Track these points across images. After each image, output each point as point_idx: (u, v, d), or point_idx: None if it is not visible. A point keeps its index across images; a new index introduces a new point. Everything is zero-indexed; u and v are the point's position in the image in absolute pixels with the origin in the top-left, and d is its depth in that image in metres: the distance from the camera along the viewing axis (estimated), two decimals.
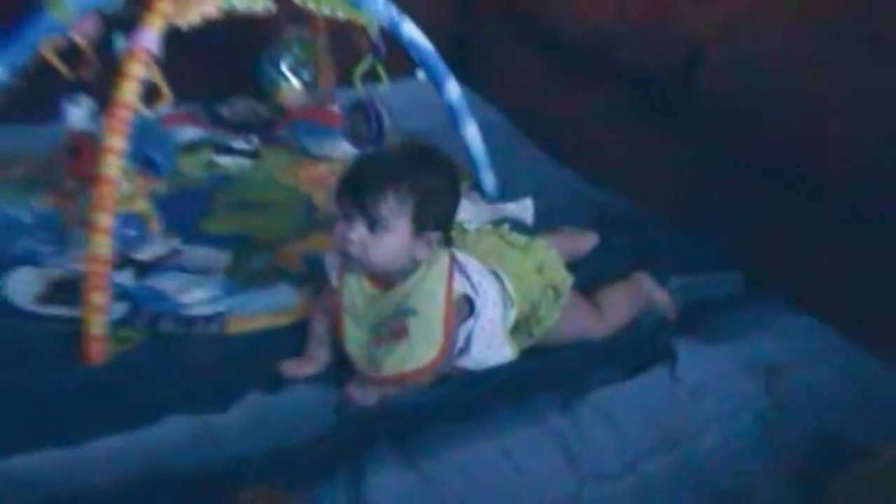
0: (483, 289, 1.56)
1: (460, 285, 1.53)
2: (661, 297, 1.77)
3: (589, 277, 1.78)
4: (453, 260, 1.54)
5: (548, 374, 1.56)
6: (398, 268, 1.50)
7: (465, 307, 1.54)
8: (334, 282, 1.57)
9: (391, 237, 1.46)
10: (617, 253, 1.93)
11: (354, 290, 1.54)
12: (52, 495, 1.26)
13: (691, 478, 1.41)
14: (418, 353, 1.49)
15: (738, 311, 1.76)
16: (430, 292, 1.50)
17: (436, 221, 1.50)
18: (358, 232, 1.46)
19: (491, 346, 1.57)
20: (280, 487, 1.28)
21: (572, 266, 1.74)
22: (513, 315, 1.61)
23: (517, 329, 1.63)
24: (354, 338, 1.54)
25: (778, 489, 1.40)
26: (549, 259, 1.70)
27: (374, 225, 1.45)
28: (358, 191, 1.46)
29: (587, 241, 1.93)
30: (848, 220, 1.74)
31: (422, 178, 1.48)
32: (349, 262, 1.51)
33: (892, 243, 1.67)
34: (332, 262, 1.58)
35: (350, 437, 1.41)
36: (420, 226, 1.48)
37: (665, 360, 1.58)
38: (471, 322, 1.54)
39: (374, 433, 1.40)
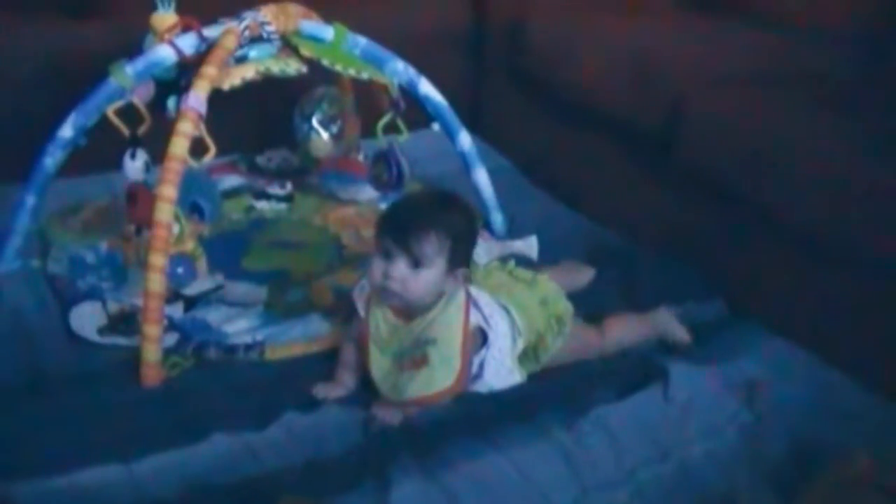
0: (495, 321, 1.57)
1: (475, 318, 1.54)
2: (679, 332, 1.75)
3: (588, 307, 1.78)
4: (468, 295, 1.55)
5: (552, 394, 1.57)
6: (430, 301, 1.51)
7: (479, 338, 1.55)
8: (362, 313, 1.58)
9: (429, 273, 1.48)
10: (611, 284, 1.93)
11: (380, 322, 1.56)
12: None
13: (682, 485, 1.42)
14: (438, 378, 1.50)
15: (723, 335, 1.77)
16: (448, 324, 1.51)
17: (464, 259, 1.53)
18: (399, 269, 1.47)
19: (500, 373, 1.58)
20: (313, 497, 1.28)
21: (571, 297, 1.74)
22: (521, 344, 1.62)
23: (524, 356, 1.64)
24: (379, 364, 1.55)
25: (760, 494, 1.40)
26: (551, 292, 1.70)
27: (416, 262, 1.47)
28: (403, 231, 1.47)
29: (585, 274, 1.94)
30: (812, 254, 1.75)
31: (455, 220, 1.51)
32: (386, 296, 1.51)
33: (848, 271, 1.69)
34: (359, 296, 1.59)
35: (376, 452, 1.42)
36: (452, 263, 1.49)
37: (658, 380, 1.59)
38: (483, 351, 1.55)
39: (398, 448, 1.42)
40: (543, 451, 1.43)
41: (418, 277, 1.47)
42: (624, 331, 1.73)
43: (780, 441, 1.49)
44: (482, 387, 1.57)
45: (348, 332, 1.63)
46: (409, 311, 1.53)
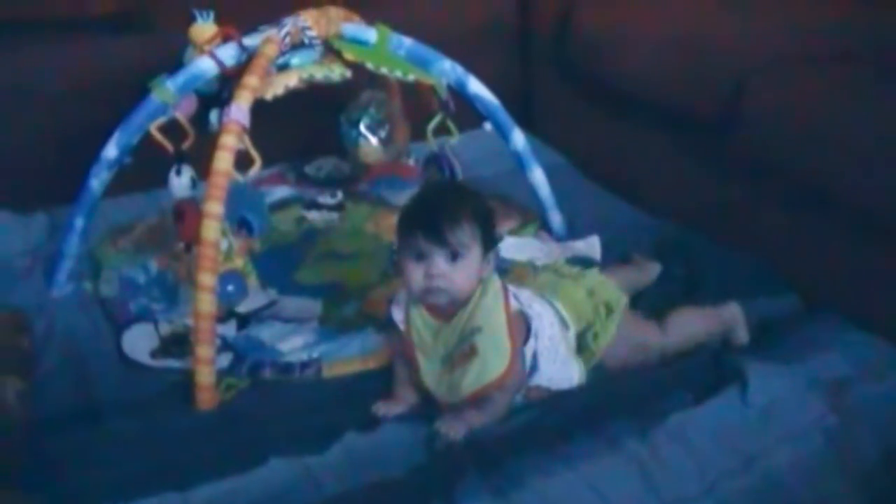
0: (536, 310, 1.51)
1: (514, 304, 1.48)
2: (741, 332, 1.67)
3: (653, 304, 1.71)
4: (501, 281, 1.50)
5: (622, 401, 1.48)
6: (473, 290, 1.45)
7: (523, 324, 1.49)
8: (402, 327, 1.52)
9: (469, 262, 1.42)
10: (676, 281, 1.84)
11: (420, 327, 1.49)
12: None
13: (768, 497, 1.32)
14: (490, 366, 1.43)
15: (800, 331, 1.66)
16: (489, 309, 1.45)
17: (493, 240, 1.48)
18: (440, 266, 1.41)
19: (556, 361, 1.51)
20: None
21: (636, 295, 1.68)
22: (572, 336, 1.55)
23: (579, 349, 1.56)
24: (429, 371, 1.49)
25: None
26: (599, 283, 1.63)
27: (454, 255, 1.41)
28: (436, 227, 1.41)
29: (651, 271, 1.85)
30: (890, 240, 1.65)
31: (475, 204, 1.46)
32: (431, 297, 1.44)
33: None
34: (396, 312, 1.53)
35: (442, 471, 1.35)
36: (486, 247, 1.45)
37: (733, 382, 1.49)
38: (532, 342, 1.48)
39: (465, 466, 1.34)
40: (617, 464, 1.34)
41: (461, 268, 1.42)
42: (687, 326, 1.64)
43: (871, 446, 1.39)
44: (541, 379, 1.50)
45: (395, 347, 1.57)
46: (449, 308, 1.47)
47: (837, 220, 1.75)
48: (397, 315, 1.53)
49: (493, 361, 1.44)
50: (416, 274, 1.43)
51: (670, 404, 1.46)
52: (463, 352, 1.45)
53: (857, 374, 1.53)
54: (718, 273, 1.84)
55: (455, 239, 1.40)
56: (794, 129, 1.79)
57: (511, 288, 1.52)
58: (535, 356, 1.49)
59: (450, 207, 1.43)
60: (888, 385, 1.50)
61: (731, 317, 1.67)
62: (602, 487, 1.30)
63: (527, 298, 1.53)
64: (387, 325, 1.64)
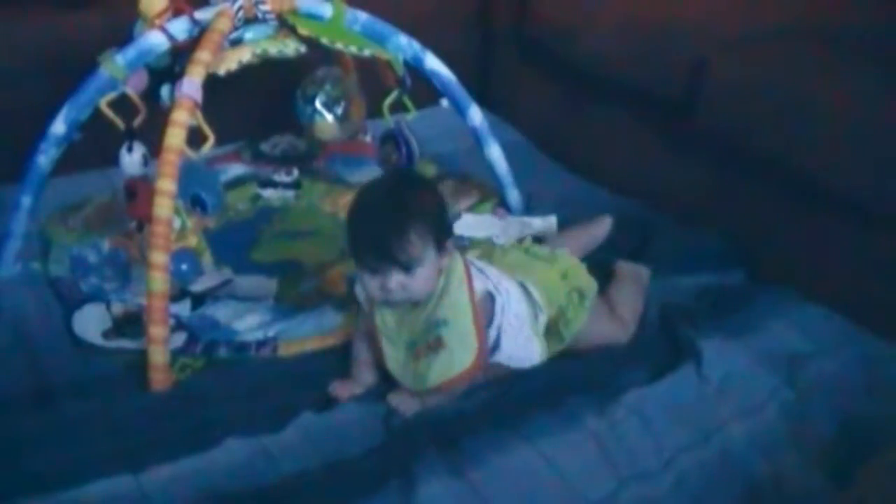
0: (504, 287, 1.49)
1: (481, 283, 1.46)
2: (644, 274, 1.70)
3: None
4: (466, 263, 1.47)
5: (579, 377, 1.49)
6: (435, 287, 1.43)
7: (490, 304, 1.46)
8: (366, 308, 1.50)
9: (426, 269, 1.39)
10: (630, 256, 1.82)
11: (385, 312, 1.47)
12: None
13: (725, 471, 1.33)
14: (457, 360, 1.42)
15: (756, 307, 1.67)
16: (455, 300, 1.42)
17: (446, 231, 1.44)
18: (395, 279, 1.38)
19: (519, 339, 1.49)
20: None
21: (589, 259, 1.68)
22: (543, 320, 1.53)
23: (549, 333, 1.55)
24: (393, 357, 1.47)
25: (808, 477, 1.32)
26: (572, 266, 1.62)
27: (408, 268, 1.37)
28: (382, 247, 1.36)
29: (602, 226, 1.84)
30: (844, 215, 1.67)
31: (421, 202, 1.40)
32: (391, 303, 1.43)
33: (886, 231, 1.61)
34: (361, 291, 1.50)
35: (399, 449, 1.35)
36: (440, 243, 1.40)
37: (690, 358, 1.51)
38: (498, 319, 1.46)
39: (422, 444, 1.34)
40: (575, 440, 1.35)
41: (417, 278, 1.38)
42: (636, 307, 1.64)
43: (826, 419, 1.40)
44: (502, 357, 1.49)
45: (357, 326, 1.55)
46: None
47: (797, 196, 1.75)
48: (361, 295, 1.51)
49: (460, 355, 1.42)
50: (372, 284, 1.40)
51: (628, 380, 1.47)
52: (428, 343, 1.43)
53: (813, 348, 1.55)
54: (674, 250, 1.85)
55: (405, 255, 1.36)
56: (755, 107, 1.80)
57: (478, 263, 1.50)
58: (498, 335, 1.48)
59: (395, 222, 1.36)
60: (843, 359, 1.52)
61: (635, 273, 1.69)
62: (560, 463, 1.31)
63: (495, 276, 1.51)
64: (348, 302, 1.63)
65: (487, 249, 1.69)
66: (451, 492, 1.26)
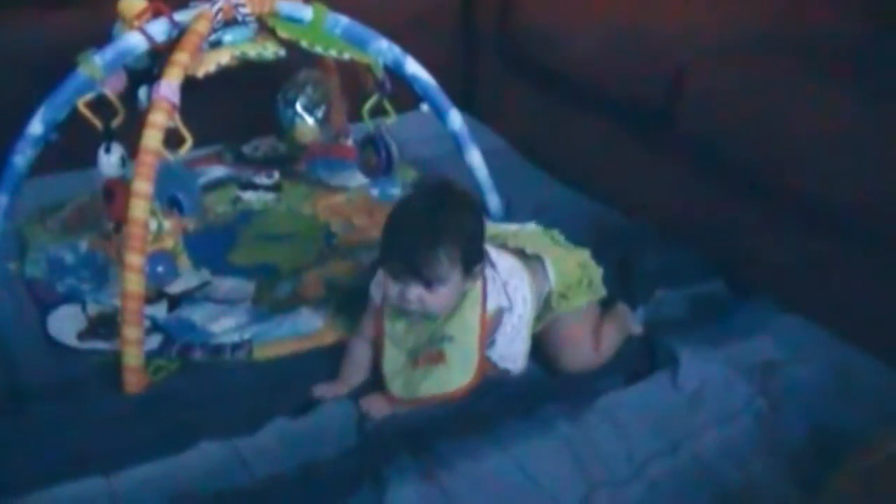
0: (513, 287, 1.48)
1: (495, 301, 1.46)
2: (635, 328, 1.65)
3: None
4: (484, 280, 1.46)
5: (554, 384, 1.49)
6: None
7: (499, 317, 1.48)
8: (378, 302, 1.49)
9: (448, 289, 1.39)
10: (609, 267, 1.79)
11: (395, 316, 1.47)
12: None
13: (697, 478, 1.33)
14: (455, 377, 1.43)
15: (733, 316, 1.68)
16: (465, 320, 1.43)
17: (478, 256, 1.43)
18: (415, 292, 1.38)
19: (514, 341, 1.50)
20: None
21: None
22: (548, 289, 1.52)
23: (546, 306, 1.53)
24: (394, 360, 1.47)
25: (779, 485, 1.32)
26: (589, 262, 1.60)
27: (430, 284, 1.38)
28: (410, 259, 1.37)
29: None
30: (822, 226, 1.67)
31: (460, 224, 1.39)
32: (407, 311, 1.43)
33: (862, 242, 1.61)
34: (376, 289, 1.50)
35: (372, 453, 1.35)
36: (468, 267, 1.40)
37: (666, 366, 1.51)
38: (503, 327, 1.48)
39: (395, 448, 1.35)
40: (548, 446, 1.35)
41: (437, 295, 1.39)
42: (614, 343, 1.59)
43: (798, 427, 1.41)
44: (494, 355, 1.50)
45: (360, 325, 1.55)
46: None
47: (775, 205, 1.76)
48: (376, 294, 1.50)
49: (457, 374, 1.43)
50: (392, 290, 1.41)
51: (601, 387, 1.47)
52: (430, 353, 1.43)
53: (787, 356, 1.56)
54: (651, 261, 1.84)
55: (432, 273, 1.36)
56: (734, 117, 1.80)
57: (492, 254, 1.49)
58: (497, 337, 1.49)
59: (428, 236, 1.36)
60: (816, 367, 1.53)
61: (627, 316, 1.65)
62: (532, 469, 1.31)
63: (505, 269, 1.49)
64: (325, 305, 1.63)
65: (504, 233, 1.65)
66: (421, 496, 1.26)
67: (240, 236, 1.97)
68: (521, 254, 1.55)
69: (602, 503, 1.28)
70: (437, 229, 1.37)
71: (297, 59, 1.89)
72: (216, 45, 1.65)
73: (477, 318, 1.44)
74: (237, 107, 2.27)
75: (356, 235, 1.94)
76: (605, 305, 1.64)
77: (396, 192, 2.10)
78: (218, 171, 2.22)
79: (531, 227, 1.69)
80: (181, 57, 1.55)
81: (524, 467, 1.31)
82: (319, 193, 2.13)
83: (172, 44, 1.60)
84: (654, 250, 1.85)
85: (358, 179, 2.12)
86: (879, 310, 1.59)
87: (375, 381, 1.49)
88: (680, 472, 1.33)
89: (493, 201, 2.04)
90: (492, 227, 1.52)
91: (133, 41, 1.60)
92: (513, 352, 1.51)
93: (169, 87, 1.52)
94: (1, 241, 1.78)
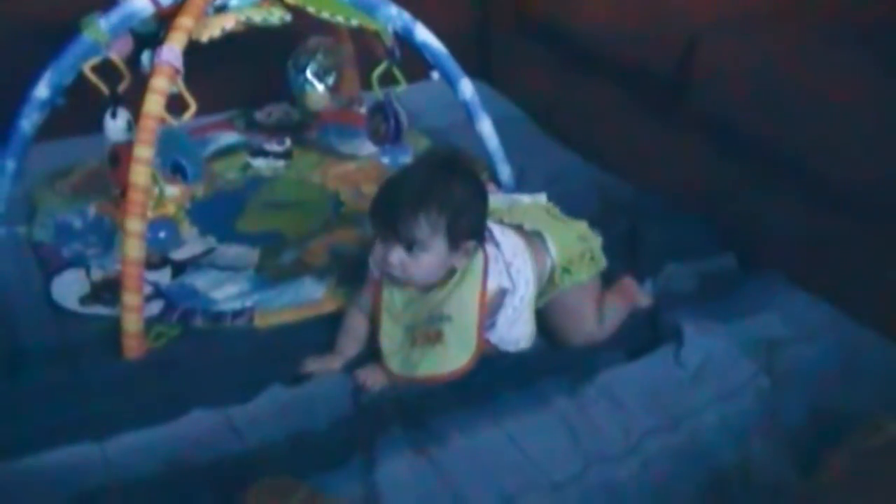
0: (516, 269, 1.46)
1: (496, 281, 1.44)
2: (644, 300, 1.63)
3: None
4: (486, 258, 1.44)
5: (554, 358, 1.47)
6: (438, 279, 1.42)
7: (500, 298, 1.46)
8: (377, 275, 1.47)
9: (429, 256, 1.38)
10: (619, 240, 1.78)
11: (394, 289, 1.46)
12: (79, 491, 1.20)
13: (692, 456, 1.30)
14: (452, 357, 1.41)
15: (742, 291, 1.65)
16: (464, 300, 1.41)
17: (469, 231, 1.40)
18: (397, 255, 1.37)
19: (516, 323, 1.48)
20: (294, 477, 1.20)
21: None
22: (549, 264, 1.50)
23: (550, 282, 1.51)
24: (391, 335, 1.46)
25: (776, 464, 1.29)
26: (589, 233, 1.57)
27: (410, 247, 1.37)
28: (391, 217, 1.37)
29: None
30: (834, 201, 1.64)
31: (450, 194, 1.37)
32: (390, 278, 1.42)
33: (874, 219, 1.58)
34: (374, 260, 1.48)
35: (365, 425, 1.33)
36: (455, 239, 1.38)
37: (669, 341, 1.48)
38: (505, 309, 1.46)
39: (388, 420, 1.33)
40: (543, 420, 1.33)
41: (418, 261, 1.38)
42: (617, 318, 1.57)
43: (800, 408, 1.37)
44: (494, 337, 1.47)
45: (357, 297, 1.53)
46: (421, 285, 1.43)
47: (785, 177, 1.72)
48: (375, 269, 1.48)
49: (455, 355, 1.41)
50: (378, 253, 1.40)
51: (602, 361, 1.45)
52: (428, 333, 1.41)
53: (794, 334, 1.52)
54: (660, 233, 1.81)
55: (409, 234, 1.35)
56: (746, 89, 1.77)
57: (496, 232, 1.47)
58: (497, 318, 1.47)
59: (411, 200, 1.36)
60: (822, 346, 1.49)
61: (633, 289, 1.63)
62: (525, 443, 1.29)
63: (509, 249, 1.47)
64: (329, 274, 1.63)
65: (500, 209, 1.63)
66: (412, 469, 1.24)
67: (248, 203, 1.96)
68: (519, 230, 1.52)
69: (595, 479, 1.25)
70: (423, 192, 1.37)
71: (310, 24, 1.86)
72: (221, 9, 1.64)
73: (476, 298, 1.42)
74: (252, 73, 2.27)
75: (364, 203, 1.92)
76: (610, 278, 1.61)
77: (407, 160, 2.07)
78: (229, 137, 2.21)
79: (526, 200, 1.67)
80: (185, 21, 1.53)
81: (517, 441, 1.29)
82: (329, 161, 2.12)
83: (178, 8, 1.58)
84: (663, 223, 1.82)
85: (369, 147, 2.10)
86: (891, 288, 1.55)
87: (371, 354, 1.48)
88: (676, 450, 1.30)
89: (504, 171, 2.02)
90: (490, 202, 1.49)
91: (138, 5, 1.59)
92: (514, 335, 1.49)
93: (171, 51, 1.51)
94: (8, 205, 1.79)
